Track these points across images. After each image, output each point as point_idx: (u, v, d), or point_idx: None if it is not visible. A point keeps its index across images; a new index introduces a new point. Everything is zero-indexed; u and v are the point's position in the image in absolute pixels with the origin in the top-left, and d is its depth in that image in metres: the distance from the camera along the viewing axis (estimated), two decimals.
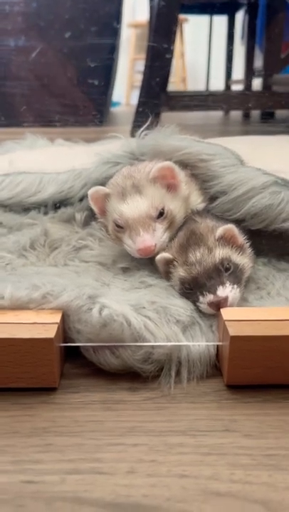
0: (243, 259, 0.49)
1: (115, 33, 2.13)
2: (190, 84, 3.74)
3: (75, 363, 0.44)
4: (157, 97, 1.61)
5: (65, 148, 1.12)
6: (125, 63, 3.46)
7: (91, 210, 0.61)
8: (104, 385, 0.42)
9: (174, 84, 3.45)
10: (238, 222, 0.55)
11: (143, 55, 1.96)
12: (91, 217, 0.69)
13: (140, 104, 1.63)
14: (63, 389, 0.41)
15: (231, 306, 0.45)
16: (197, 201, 0.59)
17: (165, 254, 0.50)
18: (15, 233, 0.68)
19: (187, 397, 0.40)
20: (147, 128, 0.71)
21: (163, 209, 0.52)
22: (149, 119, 0.73)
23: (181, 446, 0.35)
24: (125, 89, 3.71)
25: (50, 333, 0.39)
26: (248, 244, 0.52)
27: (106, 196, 0.56)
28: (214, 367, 0.43)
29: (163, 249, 0.52)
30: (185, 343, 0.43)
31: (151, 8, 1.70)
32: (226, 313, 0.43)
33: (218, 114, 2.51)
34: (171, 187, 0.55)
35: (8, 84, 1.96)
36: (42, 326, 0.40)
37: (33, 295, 0.43)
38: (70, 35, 1.95)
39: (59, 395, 0.40)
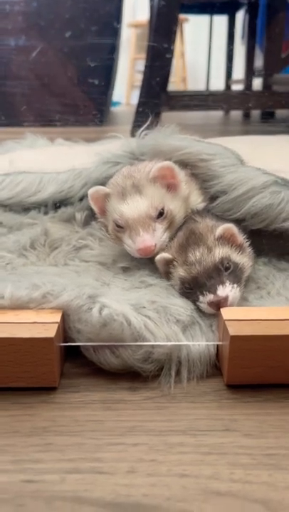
0: (243, 259, 0.49)
1: (115, 32, 2.13)
2: (190, 84, 3.74)
3: (75, 363, 0.44)
4: (157, 96, 1.61)
5: (65, 147, 1.12)
6: (125, 63, 3.46)
7: (91, 209, 0.61)
8: (105, 385, 0.42)
9: (174, 84, 3.44)
10: (238, 221, 0.55)
11: (143, 55, 1.96)
12: (91, 216, 0.69)
13: (140, 103, 1.63)
14: (63, 388, 0.41)
15: (231, 305, 0.45)
16: (197, 201, 0.59)
17: (165, 255, 0.50)
18: (15, 233, 0.68)
19: (187, 396, 0.40)
20: (147, 128, 0.71)
21: (163, 209, 0.52)
22: (149, 118, 0.73)
23: (182, 445, 0.35)
24: (125, 88, 3.71)
25: (50, 332, 0.39)
26: (248, 243, 0.52)
27: (106, 196, 0.56)
28: (214, 366, 0.43)
29: (163, 249, 0.52)
30: (185, 342, 0.43)
31: (152, 7, 1.69)
32: (225, 312, 0.43)
33: (218, 114, 2.51)
34: (171, 187, 0.55)
35: (8, 84, 1.96)
36: (42, 325, 0.40)
37: (33, 295, 0.43)
38: (71, 34, 1.95)
39: (59, 395, 0.40)
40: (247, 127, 2.28)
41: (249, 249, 0.52)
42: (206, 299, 0.45)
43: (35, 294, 0.43)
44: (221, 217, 0.56)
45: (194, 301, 0.46)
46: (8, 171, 0.80)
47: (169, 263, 0.50)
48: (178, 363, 0.42)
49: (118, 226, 0.53)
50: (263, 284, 0.53)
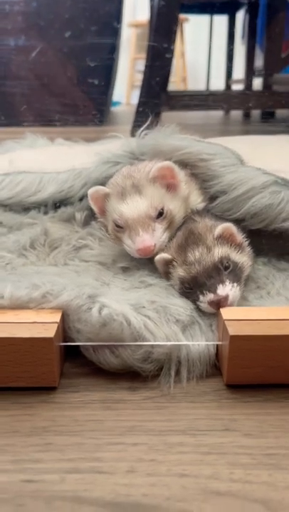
0: (242, 258, 0.49)
1: (115, 32, 2.13)
2: (190, 84, 3.74)
3: (75, 363, 0.44)
4: (157, 96, 1.61)
5: (65, 147, 1.12)
6: (126, 63, 3.45)
7: (91, 209, 0.61)
8: (104, 385, 0.42)
9: (174, 84, 3.44)
10: (237, 221, 0.55)
11: (143, 55, 1.96)
12: (91, 216, 0.69)
13: (140, 103, 1.63)
14: (63, 388, 0.41)
15: (231, 304, 0.45)
16: (197, 201, 0.59)
17: (164, 255, 0.50)
18: (15, 233, 0.68)
19: (187, 396, 0.40)
20: (147, 127, 0.71)
21: (162, 209, 0.52)
22: (150, 118, 0.73)
23: (181, 445, 0.35)
24: (126, 88, 3.71)
25: (50, 332, 0.39)
26: (247, 242, 0.52)
27: (106, 196, 0.56)
28: (214, 366, 0.43)
29: (162, 250, 0.51)
30: (185, 342, 0.43)
31: (152, 7, 1.69)
32: (225, 312, 0.43)
33: (218, 114, 2.51)
34: (170, 187, 0.55)
35: (8, 84, 1.96)
36: (42, 325, 0.40)
37: (32, 294, 0.43)
38: (70, 34, 1.95)
39: (59, 395, 0.40)
40: (247, 127, 2.28)
41: (248, 249, 0.52)
42: (206, 299, 0.45)
43: (35, 294, 0.43)
44: (221, 217, 0.55)
45: (194, 300, 0.46)
46: (8, 170, 0.80)
47: (168, 263, 0.50)
48: (177, 362, 0.42)
49: (118, 226, 0.53)
50: (262, 284, 0.53)
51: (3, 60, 1.93)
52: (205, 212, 0.56)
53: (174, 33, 1.62)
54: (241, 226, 0.55)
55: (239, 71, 2.55)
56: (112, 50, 2.18)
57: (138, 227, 0.50)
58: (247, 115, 2.38)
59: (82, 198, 0.73)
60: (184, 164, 0.60)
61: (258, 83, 2.23)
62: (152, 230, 0.51)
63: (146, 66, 1.66)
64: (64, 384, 0.42)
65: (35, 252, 0.62)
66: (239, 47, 2.62)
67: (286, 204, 0.54)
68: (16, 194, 0.76)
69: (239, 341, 0.39)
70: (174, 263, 0.49)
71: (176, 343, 0.42)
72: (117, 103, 3.24)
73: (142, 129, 0.71)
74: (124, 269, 0.55)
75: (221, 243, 0.49)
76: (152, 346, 0.41)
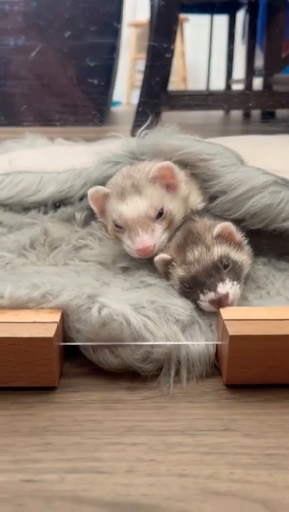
0: (242, 256, 0.49)
1: (115, 32, 2.13)
2: (191, 84, 3.74)
3: (75, 362, 0.44)
4: (158, 96, 1.60)
5: (65, 147, 1.12)
6: (126, 63, 3.45)
7: (91, 209, 0.61)
8: (104, 385, 0.42)
9: (174, 84, 3.44)
10: (237, 221, 0.55)
11: (144, 55, 1.96)
12: (91, 216, 0.69)
13: (140, 103, 1.63)
14: (63, 388, 0.41)
15: (232, 302, 0.45)
16: (197, 201, 0.59)
17: (163, 255, 0.50)
18: (15, 232, 0.68)
19: (186, 396, 0.40)
20: (147, 127, 0.71)
21: (162, 209, 0.52)
22: (150, 118, 0.73)
23: (181, 445, 0.35)
24: (126, 88, 3.71)
25: (50, 332, 0.39)
26: (246, 241, 0.52)
27: (105, 196, 0.56)
28: (214, 366, 0.43)
29: (162, 250, 0.51)
30: (184, 342, 0.43)
31: (152, 7, 1.69)
32: (225, 312, 0.43)
33: (218, 114, 2.51)
34: (170, 187, 0.55)
35: (8, 84, 1.96)
36: (41, 325, 0.40)
37: (32, 294, 0.43)
38: (70, 34, 1.95)
39: (58, 394, 0.40)
40: (247, 127, 2.28)
41: (247, 247, 0.52)
42: (206, 298, 0.44)
43: (35, 294, 0.43)
44: (220, 217, 0.55)
45: (195, 300, 0.46)
46: (8, 170, 0.80)
47: (167, 263, 0.50)
48: (177, 362, 0.42)
49: (117, 226, 0.53)
50: (262, 283, 0.53)
51: (3, 60, 1.93)
52: (204, 212, 0.56)
53: (174, 32, 1.62)
54: (241, 226, 0.55)
55: (239, 71, 2.55)
56: (112, 50, 2.18)
57: (138, 228, 0.50)
58: (247, 115, 2.38)
59: (82, 197, 0.73)
60: (184, 164, 0.60)
61: (258, 83, 2.23)
62: (152, 230, 0.51)
63: (146, 66, 1.66)
64: (64, 384, 0.42)
65: (35, 251, 0.62)
66: (239, 47, 2.61)
67: (286, 204, 0.54)
68: (16, 194, 0.76)
69: (239, 341, 0.39)
70: (174, 263, 0.49)
71: (176, 343, 0.42)
72: (117, 103, 3.24)
73: (142, 128, 0.71)
74: (124, 269, 0.55)
75: (220, 242, 0.49)
76: (152, 346, 0.41)
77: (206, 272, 0.46)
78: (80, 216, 0.70)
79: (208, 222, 0.52)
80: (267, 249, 0.59)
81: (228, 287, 0.45)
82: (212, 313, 0.46)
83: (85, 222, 0.70)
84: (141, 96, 1.65)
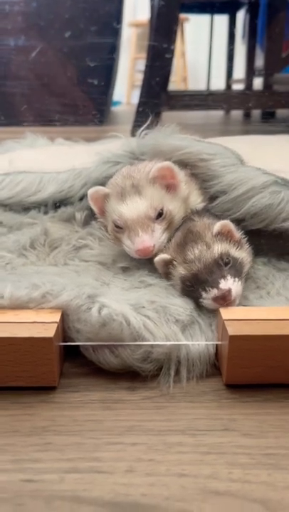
0: (242, 254, 0.50)
1: (116, 32, 2.13)
2: (191, 84, 3.74)
3: (75, 362, 0.44)
4: (158, 96, 1.60)
5: (65, 147, 1.12)
6: (126, 62, 3.45)
7: (91, 209, 0.61)
8: (104, 384, 0.42)
9: (174, 84, 3.44)
10: (237, 221, 0.55)
11: (144, 55, 1.96)
12: (91, 216, 0.69)
13: (141, 103, 1.63)
14: (63, 388, 0.41)
15: (235, 298, 0.45)
16: (197, 201, 0.59)
17: (163, 256, 0.50)
18: (15, 232, 0.68)
19: (186, 396, 0.40)
20: (148, 127, 0.71)
21: (162, 209, 0.52)
22: (150, 118, 0.73)
23: (180, 445, 0.35)
24: (126, 88, 3.71)
25: (50, 332, 0.39)
26: (245, 239, 0.52)
27: (105, 196, 0.56)
28: (213, 366, 0.44)
29: (162, 250, 0.51)
30: (184, 342, 0.43)
31: (152, 7, 1.69)
32: (225, 312, 0.43)
33: (218, 114, 2.51)
34: (170, 187, 0.55)
35: (8, 84, 1.96)
36: (41, 325, 0.40)
37: (32, 294, 0.43)
38: (70, 34, 1.95)
39: (58, 394, 0.40)
40: (247, 127, 2.28)
41: (247, 246, 0.52)
42: (209, 295, 0.44)
43: (35, 294, 0.43)
44: (220, 217, 0.55)
45: (197, 298, 0.46)
46: (8, 170, 0.80)
47: (168, 263, 0.50)
48: (177, 362, 0.42)
49: (117, 227, 0.53)
50: (262, 284, 0.53)
51: (3, 60, 1.93)
52: (204, 212, 0.56)
53: (175, 32, 1.62)
54: (241, 226, 0.55)
55: (240, 71, 2.55)
56: (112, 50, 2.18)
57: (137, 228, 0.50)
58: (247, 115, 2.38)
59: (82, 197, 0.73)
60: (183, 164, 0.60)
61: (258, 83, 2.23)
62: (152, 230, 0.51)
63: (146, 66, 1.66)
64: (64, 384, 0.42)
65: (35, 251, 0.62)
66: (239, 47, 2.62)
67: (286, 204, 0.54)
68: (16, 194, 0.76)
69: (239, 341, 0.39)
70: (174, 262, 0.49)
71: (176, 342, 0.42)
72: (117, 103, 3.24)
73: (142, 128, 0.71)
74: (124, 269, 0.55)
75: (220, 240, 0.49)
76: (152, 346, 0.41)
77: (208, 269, 0.46)
78: (80, 216, 0.70)
79: (207, 222, 0.52)
80: (267, 249, 0.59)
81: (230, 283, 0.44)
82: (212, 313, 0.46)
83: (85, 222, 0.70)
84: (141, 96, 1.65)
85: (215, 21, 2.73)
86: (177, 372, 0.42)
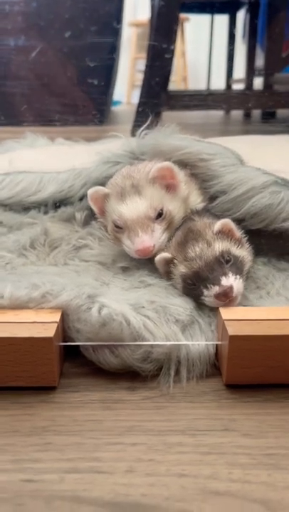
0: (243, 252, 0.50)
1: (116, 32, 2.13)
2: (191, 83, 3.74)
3: (75, 362, 0.44)
4: (158, 96, 1.60)
5: (65, 147, 1.12)
6: (126, 62, 3.45)
7: (91, 209, 0.61)
8: (104, 384, 0.42)
9: (175, 83, 3.44)
10: (237, 221, 0.55)
11: (144, 54, 1.96)
12: (91, 216, 0.69)
13: (141, 103, 1.63)
14: (63, 388, 0.41)
15: (237, 295, 0.45)
16: (197, 201, 0.59)
17: (164, 254, 0.50)
18: (15, 232, 0.68)
19: (186, 396, 0.40)
20: (148, 127, 0.71)
21: (162, 210, 0.52)
22: (150, 118, 0.73)
23: (180, 445, 0.35)
24: (126, 88, 3.71)
25: (50, 332, 0.39)
26: (246, 239, 0.52)
27: (105, 196, 0.56)
28: (213, 366, 0.43)
29: (162, 250, 0.51)
30: (184, 342, 0.43)
31: (152, 7, 1.69)
32: (225, 312, 0.43)
33: (218, 114, 2.51)
34: (170, 187, 0.55)
35: (8, 84, 1.96)
36: (41, 325, 0.40)
37: (32, 294, 0.43)
38: (70, 34, 1.95)
39: (58, 394, 0.40)
40: (247, 127, 2.28)
41: (247, 245, 0.52)
42: (211, 292, 0.44)
43: (35, 294, 0.43)
44: (220, 217, 0.55)
45: (198, 296, 0.46)
46: (8, 170, 0.80)
47: (169, 262, 0.50)
48: (177, 362, 0.42)
49: (117, 227, 0.53)
50: (262, 284, 0.53)
51: (3, 60, 1.93)
52: (204, 212, 0.56)
53: (175, 32, 1.62)
54: (241, 226, 0.55)
55: (240, 70, 2.55)
56: (113, 50, 2.18)
57: (137, 228, 0.50)
58: (247, 115, 2.38)
59: (82, 197, 0.73)
60: (183, 164, 0.60)
61: (258, 83, 2.23)
62: (151, 230, 0.51)
63: (146, 66, 1.66)
64: (64, 384, 0.42)
65: (35, 251, 0.62)
66: (240, 46, 2.62)
67: (286, 204, 0.54)
68: (16, 194, 0.76)
69: (239, 341, 0.39)
70: (175, 261, 0.49)
71: (176, 342, 0.42)
72: (117, 102, 3.24)
73: (142, 128, 0.71)
74: (124, 269, 0.55)
75: (221, 238, 0.49)
76: (152, 346, 0.41)
77: (209, 266, 0.46)
78: (80, 216, 0.70)
79: (207, 221, 0.52)
80: (267, 249, 0.59)
81: (231, 280, 0.45)
82: (212, 313, 0.46)
83: (85, 222, 0.70)
84: (141, 96, 1.65)
85: (215, 21, 2.73)
86: (177, 372, 0.42)
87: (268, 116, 2.10)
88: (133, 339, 0.41)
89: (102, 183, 0.61)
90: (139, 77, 2.73)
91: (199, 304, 0.47)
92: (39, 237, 0.65)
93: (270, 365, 0.40)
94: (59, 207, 0.75)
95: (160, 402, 0.39)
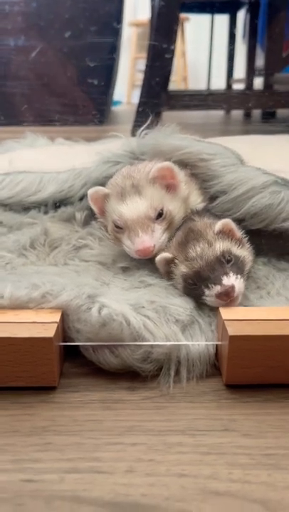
0: (243, 252, 0.50)
1: (116, 32, 2.13)
2: (191, 83, 3.74)
3: (75, 362, 0.44)
4: (158, 96, 1.60)
5: (65, 147, 1.12)
6: (126, 62, 3.45)
7: (91, 209, 0.61)
8: (104, 385, 0.42)
9: (175, 83, 3.44)
10: (238, 221, 0.55)
11: (144, 54, 1.96)
12: (91, 216, 0.69)
13: (141, 103, 1.63)
14: (63, 388, 0.41)
15: (238, 295, 0.45)
16: (197, 201, 0.59)
17: (165, 254, 0.50)
18: (15, 232, 0.68)
19: (186, 396, 0.40)
20: (148, 127, 0.71)
21: (162, 210, 0.52)
22: (150, 118, 0.73)
23: (180, 445, 0.35)
24: (126, 88, 3.71)
25: (50, 332, 0.39)
26: (246, 239, 0.52)
27: (105, 196, 0.56)
28: (213, 366, 0.43)
29: (162, 250, 0.51)
30: (184, 342, 0.43)
31: (153, 7, 1.69)
32: (225, 312, 0.43)
33: (219, 114, 2.51)
34: (170, 187, 0.55)
35: (8, 84, 1.96)
36: (41, 325, 0.40)
37: (32, 294, 0.43)
38: (70, 34, 1.95)
39: (58, 394, 0.40)
40: (248, 127, 2.28)
41: (248, 245, 0.52)
42: (212, 292, 0.44)
43: (35, 294, 0.43)
44: (220, 217, 0.55)
45: (199, 296, 0.46)
46: (8, 170, 0.80)
47: (169, 262, 0.50)
48: (177, 362, 0.42)
49: (117, 227, 0.53)
50: (262, 284, 0.53)
51: (3, 60, 1.93)
52: (204, 212, 0.56)
53: (175, 32, 1.62)
54: (241, 226, 0.55)
55: (240, 70, 2.55)
56: (113, 50, 2.18)
57: (137, 228, 0.50)
58: (248, 115, 2.38)
59: (82, 197, 0.73)
60: (184, 164, 0.60)
61: (258, 83, 2.23)
62: (152, 230, 0.51)
63: (146, 66, 1.66)
64: (64, 384, 0.42)
65: (35, 251, 0.62)
66: (240, 46, 2.62)
67: (286, 204, 0.54)
68: (16, 194, 0.76)
69: (239, 341, 0.39)
70: (176, 261, 0.49)
71: (176, 343, 0.42)
72: (117, 102, 3.24)
73: (142, 128, 0.71)
74: (124, 269, 0.55)
75: (222, 238, 0.49)
76: (152, 346, 0.41)
77: (210, 266, 0.46)
78: (80, 216, 0.70)
79: (208, 221, 0.52)
80: (267, 249, 0.59)
81: (232, 279, 0.45)
82: (212, 313, 0.46)
83: (85, 222, 0.70)
84: (141, 96, 1.65)
85: (215, 21, 2.73)
86: (177, 372, 0.42)
87: (268, 116, 2.10)
88: (133, 339, 0.41)
89: (102, 183, 0.61)
90: (139, 77, 2.73)
91: (200, 304, 0.47)
92: (39, 237, 0.65)
93: (270, 365, 0.40)
94: (59, 207, 0.75)
95: (160, 402, 0.39)
